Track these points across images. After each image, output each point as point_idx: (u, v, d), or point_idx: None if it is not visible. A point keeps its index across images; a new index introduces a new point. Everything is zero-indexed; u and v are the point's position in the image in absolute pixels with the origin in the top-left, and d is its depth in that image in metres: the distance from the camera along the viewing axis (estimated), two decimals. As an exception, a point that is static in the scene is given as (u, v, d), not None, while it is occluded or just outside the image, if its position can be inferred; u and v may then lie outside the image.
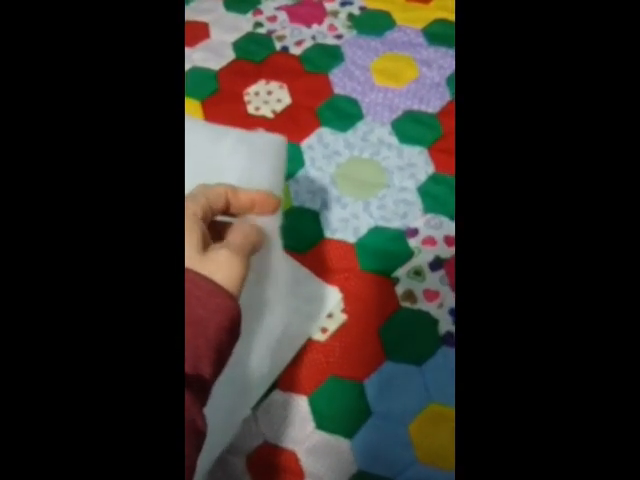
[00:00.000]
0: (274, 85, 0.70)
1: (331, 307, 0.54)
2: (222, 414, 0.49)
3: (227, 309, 0.34)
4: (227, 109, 0.68)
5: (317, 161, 0.63)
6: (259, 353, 0.49)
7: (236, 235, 0.38)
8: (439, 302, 0.53)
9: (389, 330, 0.52)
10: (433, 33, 0.72)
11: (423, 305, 0.53)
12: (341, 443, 0.48)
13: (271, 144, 0.45)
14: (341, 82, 0.69)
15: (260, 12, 0.77)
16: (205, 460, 0.47)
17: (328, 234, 0.58)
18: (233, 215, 0.40)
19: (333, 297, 0.54)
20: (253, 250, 0.38)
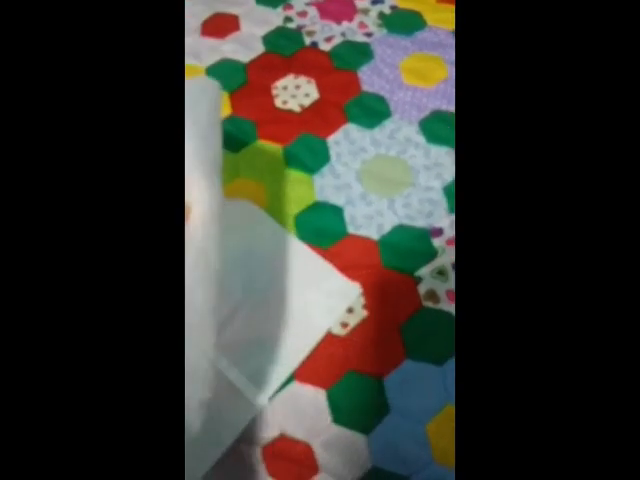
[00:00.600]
0: (302, 80, 0.70)
1: (351, 302, 0.53)
2: (235, 401, 0.49)
3: None
4: (255, 102, 0.68)
5: (343, 157, 0.63)
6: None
7: None
8: (461, 303, 0.53)
9: (410, 328, 0.52)
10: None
11: (445, 305, 0.53)
12: (357, 438, 0.48)
13: (203, 89, 0.43)
14: (370, 80, 0.69)
15: (290, 7, 0.78)
16: (216, 447, 0.47)
17: (352, 230, 0.58)
18: None
19: (353, 292, 0.54)
20: None
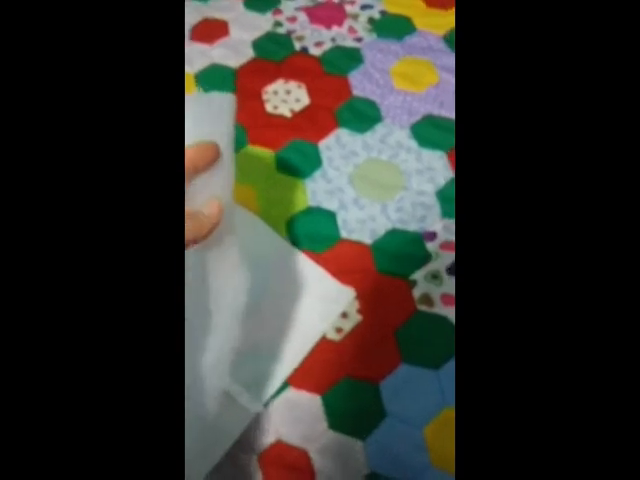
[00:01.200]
0: (293, 85, 0.71)
1: (345, 306, 0.54)
2: (229, 408, 0.49)
3: None
4: (245, 107, 0.69)
5: (335, 161, 0.64)
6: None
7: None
8: (456, 306, 0.54)
9: (405, 333, 0.53)
10: (454, 39, 0.74)
11: (440, 309, 0.54)
12: (354, 444, 0.48)
13: (219, 101, 0.43)
14: (360, 84, 0.70)
15: (280, 12, 0.79)
16: (212, 455, 0.48)
17: (344, 235, 0.59)
18: None
19: (347, 296, 0.55)
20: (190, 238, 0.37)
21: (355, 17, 0.78)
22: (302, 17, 0.78)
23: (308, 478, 0.48)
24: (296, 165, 0.64)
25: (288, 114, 0.68)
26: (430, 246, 0.57)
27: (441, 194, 0.61)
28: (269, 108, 0.69)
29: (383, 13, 0.78)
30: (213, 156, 0.38)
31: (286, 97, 0.70)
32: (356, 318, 0.54)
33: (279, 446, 0.49)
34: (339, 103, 0.69)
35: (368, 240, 0.59)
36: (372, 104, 0.69)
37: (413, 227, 0.59)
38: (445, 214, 0.59)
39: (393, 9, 0.78)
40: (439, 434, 0.48)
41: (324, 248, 0.58)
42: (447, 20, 0.76)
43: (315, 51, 0.74)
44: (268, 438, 0.49)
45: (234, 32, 0.77)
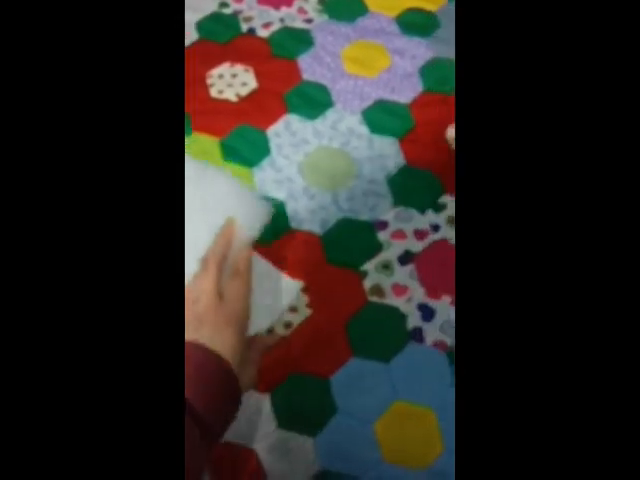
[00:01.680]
0: (239, 68, 0.70)
1: (291, 300, 0.54)
2: None
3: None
4: (189, 92, 0.67)
5: (284, 149, 0.63)
6: None
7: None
8: (408, 297, 0.54)
9: (356, 325, 0.53)
10: (407, 22, 0.74)
11: (391, 300, 0.54)
12: (304, 441, 0.48)
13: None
14: (310, 68, 0.70)
15: (226, -9, 0.78)
16: None
17: (294, 225, 0.59)
18: None
19: (293, 289, 0.55)
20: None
21: (305, -3, 0.77)
22: (249, -3, 0.77)
23: (258, 479, 0.47)
24: (243, 153, 0.63)
25: (234, 99, 0.67)
26: (381, 235, 0.58)
27: (392, 182, 0.61)
28: (214, 93, 0.68)
29: (334, -7, 0.77)
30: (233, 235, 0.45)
31: (232, 81, 0.69)
32: (305, 312, 0.54)
33: (226, 447, 0.48)
34: (288, 87, 0.68)
35: (318, 230, 0.58)
36: (323, 89, 0.68)
37: (364, 216, 0.59)
38: (396, 202, 0.60)
39: (344, -11, 0.78)
40: (390, 428, 0.49)
41: (272, 239, 0.58)
42: (401, 2, 0.76)
43: (263, 33, 0.73)
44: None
45: (177, 12, 0.76)
